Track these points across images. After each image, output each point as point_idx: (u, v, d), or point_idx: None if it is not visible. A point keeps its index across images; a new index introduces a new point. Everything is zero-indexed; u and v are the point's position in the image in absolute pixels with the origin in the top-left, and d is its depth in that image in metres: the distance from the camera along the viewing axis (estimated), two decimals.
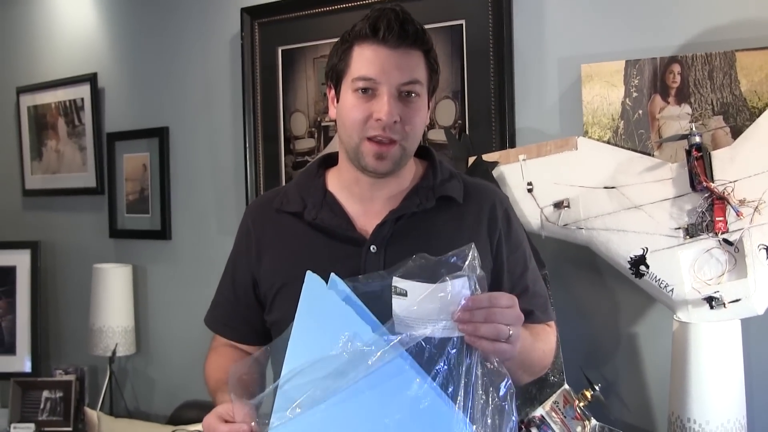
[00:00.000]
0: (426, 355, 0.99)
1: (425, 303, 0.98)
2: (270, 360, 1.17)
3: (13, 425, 2.67)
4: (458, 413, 0.96)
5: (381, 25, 1.12)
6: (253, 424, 1.02)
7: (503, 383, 0.99)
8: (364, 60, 1.14)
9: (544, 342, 1.25)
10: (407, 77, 1.14)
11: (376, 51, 1.13)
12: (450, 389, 0.98)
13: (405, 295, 0.99)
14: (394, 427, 0.97)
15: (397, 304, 0.99)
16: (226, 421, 1.04)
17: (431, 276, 1.00)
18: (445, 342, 0.99)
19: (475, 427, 0.97)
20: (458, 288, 0.98)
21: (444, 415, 0.97)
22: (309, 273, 1.07)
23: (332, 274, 1.06)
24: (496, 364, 1.00)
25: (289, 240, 1.24)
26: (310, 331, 1.03)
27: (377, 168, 1.16)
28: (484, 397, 0.98)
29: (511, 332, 0.99)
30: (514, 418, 0.99)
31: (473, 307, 0.98)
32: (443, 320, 0.98)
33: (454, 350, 0.99)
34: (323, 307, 1.04)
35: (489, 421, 0.97)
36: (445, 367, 0.98)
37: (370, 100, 1.14)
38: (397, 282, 1.00)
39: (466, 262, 1.00)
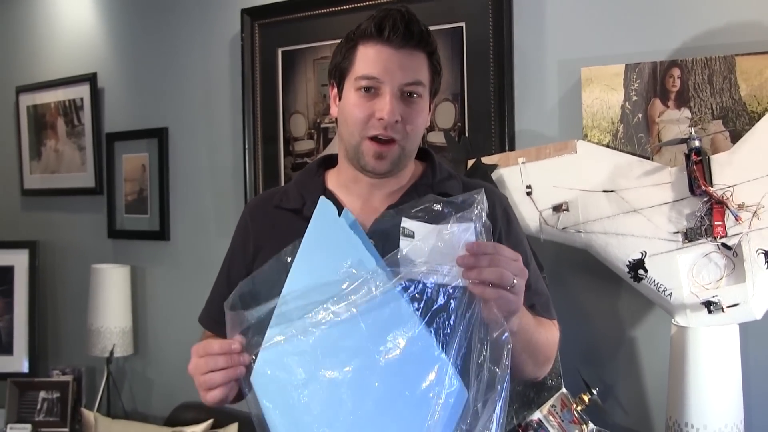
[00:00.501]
0: (424, 300, 0.98)
1: (431, 242, 0.98)
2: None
3: (9, 426, 2.67)
4: (449, 365, 0.95)
5: (386, 24, 1.12)
6: (243, 339, 1.02)
7: (502, 337, 0.96)
8: (368, 59, 1.14)
9: (547, 330, 1.23)
10: (410, 78, 1.14)
11: (380, 50, 1.13)
12: (445, 338, 0.97)
13: (412, 236, 1.00)
14: (384, 364, 0.96)
15: (404, 244, 0.99)
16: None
17: (440, 221, 1.00)
18: (445, 291, 0.98)
19: (470, 393, 0.95)
20: (464, 232, 0.98)
21: (433, 363, 0.96)
22: (322, 198, 1.08)
23: (345, 209, 1.07)
24: (497, 315, 0.97)
25: (287, 236, 1.23)
26: (315, 255, 1.03)
27: (376, 168, 1.17)
28: (479, 352, 0.96)
29: (515, 281, 0.97)
30: (507, 375, 0.96)
31: (478, 252, 0.97)
32: (448, 266, 0.97)
33: (454, 300, 0.97)
34: (331, 233, 1.04)
35: (483, 375, 0.96)
36: (444, 316, 0.97)
37: (372, 99, 1.14)
38: (406, 222, 1.01)
39: (473, 208, 0.99)
